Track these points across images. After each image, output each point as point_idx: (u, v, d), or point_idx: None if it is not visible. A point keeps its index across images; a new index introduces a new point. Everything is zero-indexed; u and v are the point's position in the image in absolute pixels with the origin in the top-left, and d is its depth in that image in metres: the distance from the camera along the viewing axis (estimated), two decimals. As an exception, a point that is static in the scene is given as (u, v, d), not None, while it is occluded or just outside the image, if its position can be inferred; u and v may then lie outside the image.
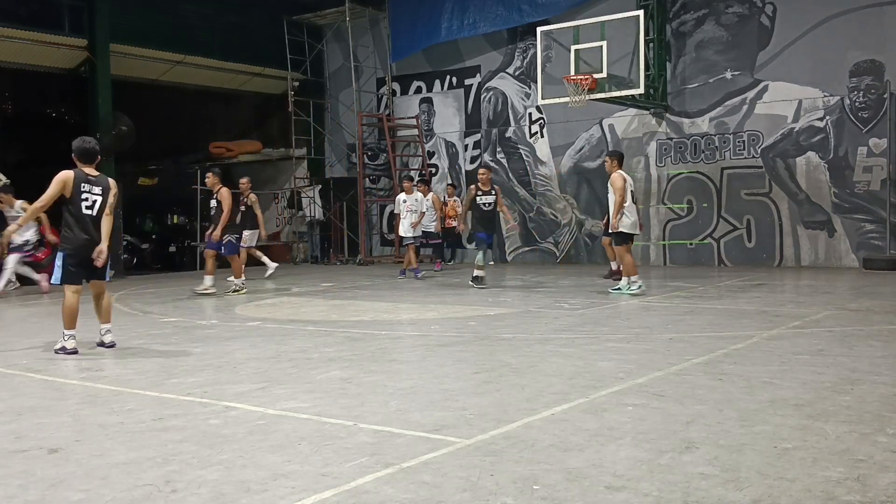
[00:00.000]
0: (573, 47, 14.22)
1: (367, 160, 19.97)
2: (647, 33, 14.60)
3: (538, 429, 4.21)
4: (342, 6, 18.61)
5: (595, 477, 3.44)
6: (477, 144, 18.46)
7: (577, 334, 7.47)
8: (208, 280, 12.05)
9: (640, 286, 10.62)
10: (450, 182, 18.58)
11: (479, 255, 12.13)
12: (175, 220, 20.52)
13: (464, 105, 18.64)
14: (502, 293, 11.57)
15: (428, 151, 19.23)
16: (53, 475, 3.66)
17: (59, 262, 6.97)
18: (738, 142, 15.16)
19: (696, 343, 6.76)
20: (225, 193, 11.89)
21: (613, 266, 12.51)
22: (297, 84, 20.20)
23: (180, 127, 22.64)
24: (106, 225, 6.99)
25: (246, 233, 13.19)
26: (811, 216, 14.54)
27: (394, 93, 19.71)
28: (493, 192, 12.25)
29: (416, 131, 19.29)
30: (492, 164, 17.81)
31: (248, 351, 6.95)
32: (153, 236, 20.60)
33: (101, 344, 7.22)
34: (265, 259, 14.86)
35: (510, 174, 17.70)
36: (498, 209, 12.40)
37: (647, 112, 15.94)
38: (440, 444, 3.98)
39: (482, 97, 18.31)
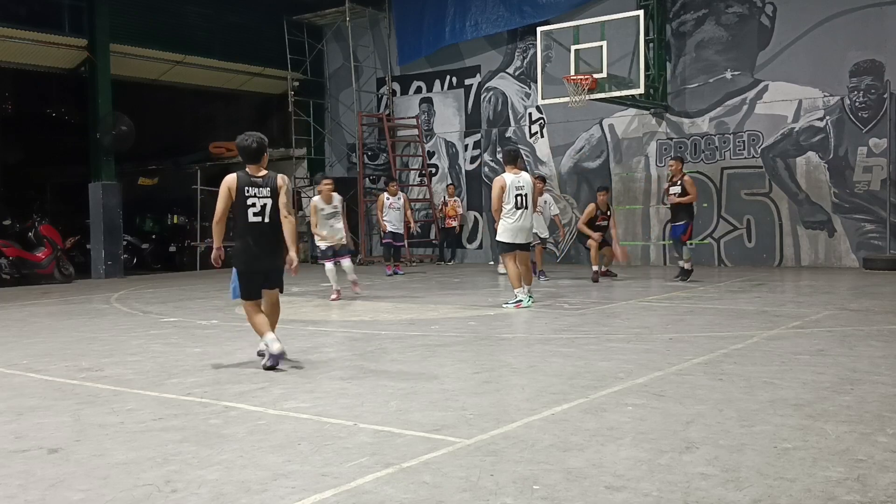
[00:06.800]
0: (573, 47, 14.22)
1: (367, 160, 19.97)
2: (647, 33, 14.60)
3: (538, 429, 4.21)
4: (342, 6, 18.61)
5: (595, 477, 3.44)
6: (477, 144, 18.46)
7: (577, 334, 7.47)
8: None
9: (522, 300, 9.67)
10: (450, 182, 18.59)
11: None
12: (175, 220, 20.49)
13: (464, 105, 18.64)
14: (502, 293, 11.56)
15: (428, 151, 19.22)
16: (53, 475, 3.66)
17: (233, 276, 6.29)
18: (738, 142, 15.15)
19: (696, 343, 6.76)
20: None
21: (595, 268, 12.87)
22: (297, 84, 20.19)
23: (180, 127, 22.64)
24: (288, 228, 6.13)
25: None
26: (811, 216, 14.54)
27: (394, 93, 19.71)
28: (680, 184, 12.31)
29: (416, 131, 19.29)
30: (492, 163, 17.82)
31: (248, 351, 6.93)
32: (153, 236, 20.58)
33: (260, 353, 6.24)
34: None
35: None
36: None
37: (647, 112, 15.93)
38: (440, 444, 3.98)
39: (482, 97, 18.30)
